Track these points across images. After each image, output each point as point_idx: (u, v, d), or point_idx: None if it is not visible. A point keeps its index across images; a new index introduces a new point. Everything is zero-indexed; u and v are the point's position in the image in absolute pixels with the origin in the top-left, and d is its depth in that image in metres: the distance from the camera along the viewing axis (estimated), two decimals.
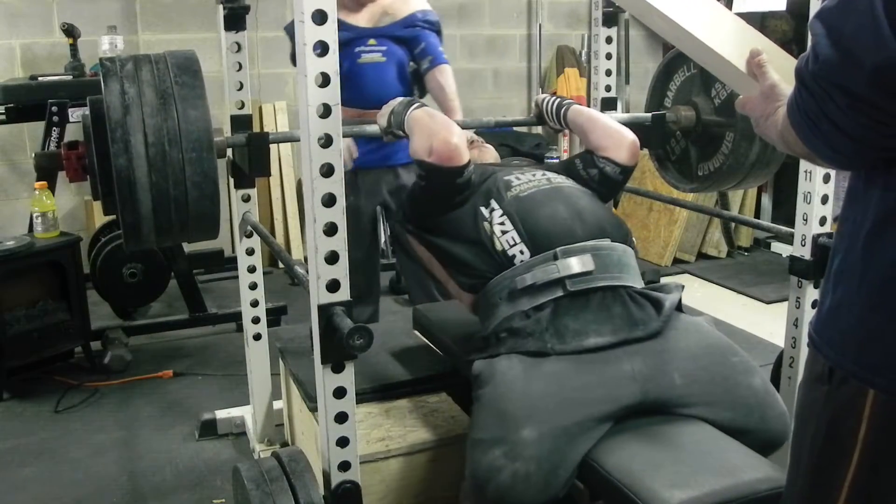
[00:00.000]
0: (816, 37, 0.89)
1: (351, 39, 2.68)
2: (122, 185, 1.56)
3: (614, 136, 1.95)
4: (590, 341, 1.61)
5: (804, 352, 1.95)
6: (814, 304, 1.95)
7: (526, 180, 1.84)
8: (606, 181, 1.93)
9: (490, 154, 2.20)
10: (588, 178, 1.93)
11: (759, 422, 1.59)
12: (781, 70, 1.18)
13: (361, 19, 2.73)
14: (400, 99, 1.92)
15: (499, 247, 1.72)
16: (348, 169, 2.68)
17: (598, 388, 1.56)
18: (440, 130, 1.74)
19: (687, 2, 1.35)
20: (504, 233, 1.73)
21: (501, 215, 1.75)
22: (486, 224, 1.75)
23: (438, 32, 2.85)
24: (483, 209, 1.77)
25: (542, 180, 1.84)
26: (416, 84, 2.85)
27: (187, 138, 1.57)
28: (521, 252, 1.71)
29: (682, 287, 1.77)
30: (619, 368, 1.59)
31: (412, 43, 2.79)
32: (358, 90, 2.63)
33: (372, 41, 2.73)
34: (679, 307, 1.73)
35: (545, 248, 1.69)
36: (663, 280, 4.15)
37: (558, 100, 2.13)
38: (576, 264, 1.66)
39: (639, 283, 1.74)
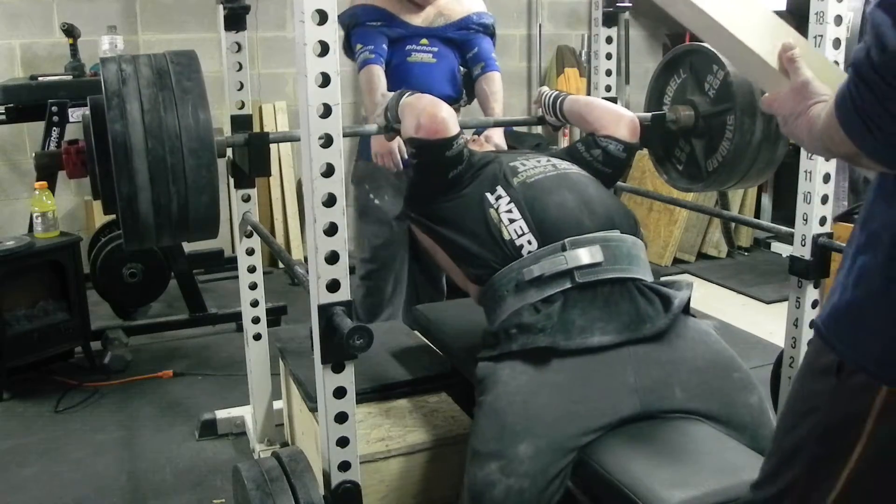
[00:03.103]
0: (880, 27, 0.84)
1: (403, 37, 2.68)
2: (118, 151, 1.51)
3: (612, 114, 1.95)
4: (594, 340, 1.58)
5: (804, 351, 1.96)
6: (814, 304, 1.95)
7: (531, 166, 1.80)
8: (611, 160, 1.91)
9: (491, 149, 2.20)
10: (592, 159, 1.91)
11: (749, 440, 1.58)
12: (814, 67, 1.14)
13: (417, 18, 2.71)
14: (392, 95, 1.91)
15: (507, 236, 1.68)
16: (399, 170, 2.65)
17: (599, 401, 1.55)
18: (427, 106, 1.74)
19: None
20: (512, 221, 1.69)
21: (509, 202, 1.71)
22: (492, 211, 1.71)
23: (493, 35, 2.82)
24: (489, 195, 1.74)
25: (547, 166, 1.81)
26: (465, 88, 2.81)
27: (182, 105, 1.55)
28: (530, 242, 1.66)
29: (692, 285, 1.74)
30: (621, 380, 1.57)
31: (464, 46, 2.76)
32: (403, 88, 2.63)
33: (424, 41, 2.70)
34: (687, 309, 1.71)
35: (554, 239, 1.65)
36: (663, 279, 4.17)
37: (555, 93, 2.11)
38: (585, 255, 1.62)
39: (649, 276, 1.71)
